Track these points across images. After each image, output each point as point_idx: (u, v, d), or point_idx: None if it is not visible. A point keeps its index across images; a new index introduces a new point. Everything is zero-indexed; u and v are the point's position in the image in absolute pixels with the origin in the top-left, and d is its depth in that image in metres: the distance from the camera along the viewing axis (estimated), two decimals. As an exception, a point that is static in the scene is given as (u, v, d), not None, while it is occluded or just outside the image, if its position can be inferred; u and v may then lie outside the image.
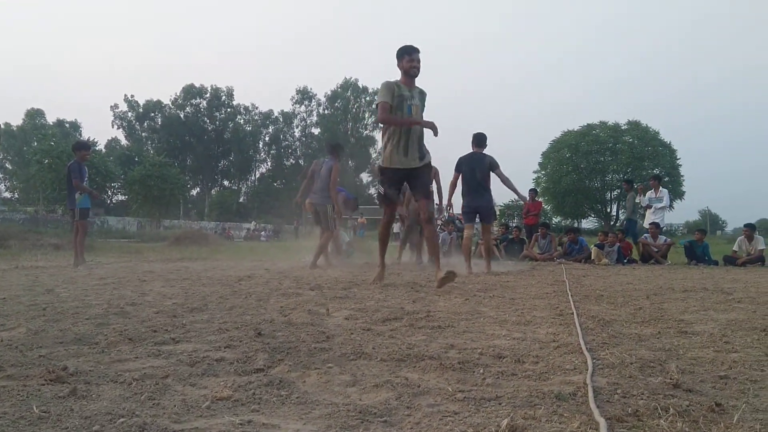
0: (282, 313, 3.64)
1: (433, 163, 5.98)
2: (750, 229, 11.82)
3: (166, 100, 75.80)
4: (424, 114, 5.80)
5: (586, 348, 2.56)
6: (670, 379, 2.04)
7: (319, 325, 3.20)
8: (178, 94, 75.60)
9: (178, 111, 75.69)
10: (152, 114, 75.49)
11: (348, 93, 74.68)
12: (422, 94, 5.80)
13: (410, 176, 5.79)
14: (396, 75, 5.68)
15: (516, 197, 10.96)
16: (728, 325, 3.39)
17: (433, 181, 9.01)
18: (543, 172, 59.39)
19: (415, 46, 5.64)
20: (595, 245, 11.89)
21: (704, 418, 1.61)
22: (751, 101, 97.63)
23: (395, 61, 5.64)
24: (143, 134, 75.99)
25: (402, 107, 5.54)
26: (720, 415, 1.65)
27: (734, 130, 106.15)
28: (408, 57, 5.58)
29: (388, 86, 5.52)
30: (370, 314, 3.64)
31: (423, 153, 5.72)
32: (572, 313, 3.73)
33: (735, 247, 12.09)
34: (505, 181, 8.20)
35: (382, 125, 5.66)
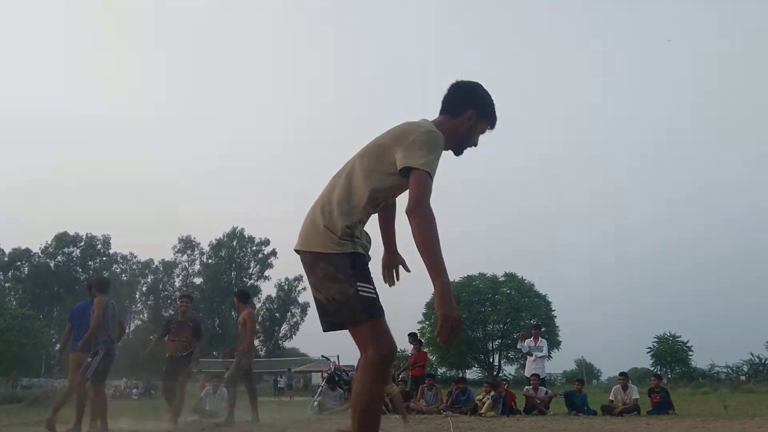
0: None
1: None
2: (625, 378, 12.46)
3: (36, 248, 72.04)
4: None
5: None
6: None
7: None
8: (49, 242, 72.23)
9: (48, 260, 71.89)
10: (18, 263, 71.18)
11: (234, 242, 74.15)
12: None
13: None
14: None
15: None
16: (610, 477, 3.44)
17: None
18: (427, 323, 60.15)
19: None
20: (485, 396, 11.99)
21: None
22: (612, 258, 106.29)
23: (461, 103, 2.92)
24: (6, 284, 70.99)
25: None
26: None
27: (601, 282, 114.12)
28: (490, 125, 3.01)
29: (440, 143, 2.74)
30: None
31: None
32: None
33: (611, 396, 12.58)
34: None
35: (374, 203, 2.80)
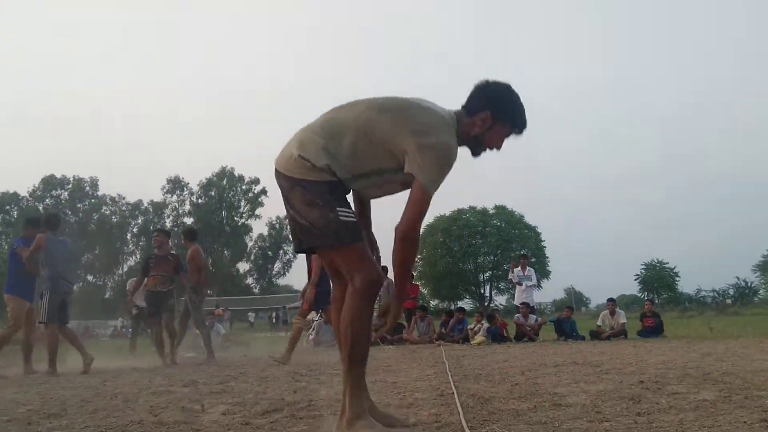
0: (152, 413, 3.41)
1: None
2: (613, 304, 12.70)
3: (24, 192, 71.45)
4: None
5: (468, 426, 2.58)
6: (549, 451, 2.08)
7: (193, 423, 3.02)
8: (36, 185, 71.61)
9: (37, 203, 71.41)
10: (7, 207, 70.73)
11: (224, 182, 73.79)
12: None
13: None
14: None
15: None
16: (598, 395, 3.53)
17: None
18: (419, 257, 60.77)
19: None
20: (477, 325, 12.18)
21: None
22: (600, 183, 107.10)
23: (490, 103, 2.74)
24: (-3, 228, 70.73)
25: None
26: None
27: (592, 207, 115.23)
28: (513, 129, 2.82)
29: (453, 161, 2.65)
30: (248, 408, 3.49)
31: None
32: (453, 393, 3.75)
33: (599, 322, 12.85)
34: None
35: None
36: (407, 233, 2.53)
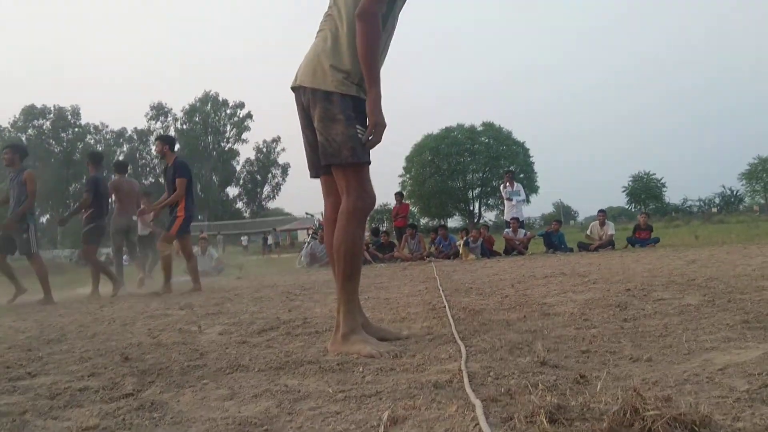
0: (150, 335, 3.47)
1: None
2: (604, 215, 12.83)
3: (5, 123, 70.17)
4: None
5: (459, 337, 2.65)
6: (538, 357, 2.14)
7: (192, 344, 3.08)
8: (17, 116, 70.24)
9: (19, 134, 70.25)
10: (-11, 139, 69.71)
11: (207, 107, 72.58)
12: None
13: None
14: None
15: None
16: (586, 304, 3.62)
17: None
18: (408, 176, 60.83)
19: None
20: (462, 243, 12.32)
21: (571, 390, 1.70)
22: (590, 88, 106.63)
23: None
24: (-20, 160, 69.76)
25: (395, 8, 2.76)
26: (585, 385, 1.76)
27: (578, 119, 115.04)
28: None
29: None
30: (245, 327, 3.56)
31: None
32: (444, 307, 3.84)
33: (588, 231, 13.05)
34: None
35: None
36: (362, 12, 2.50)
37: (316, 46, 2.68)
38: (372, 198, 2.65)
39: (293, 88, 2.75)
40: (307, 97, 2.65)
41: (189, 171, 7.44)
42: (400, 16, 2.79)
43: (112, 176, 9.17)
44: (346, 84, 2.55)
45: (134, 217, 8.96)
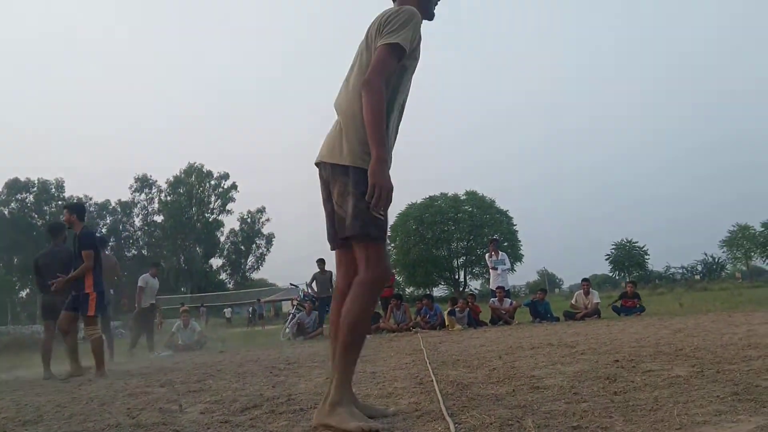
0: (129, 416, 3.37)
1: None
2: (588, 284, 12.87)
3: (-13, 198, 69.77)
4: None
5: (448, 413, 2.60)
6: (529, 434, 2.10)
7: (172, 424, 2.99)
8: (0, 189, 70.03)
9: (2, 207, 69.87)
10: (-28, 212, 69.09)
11: (192, 178, 72.86)
12: None
13: None
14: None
15: None
16: (575, 376, 3.58)
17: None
18: (393, 245, 60.88)
19: None
20: (447, 312, 12.23)
21: (564, 469, 1.67)
22: (568, 160, 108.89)
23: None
24: (-37, 236, 69.05)
25: (406, 76, 2.83)
26: (577, 464, 1.72)
27: (558, 190, 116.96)
28: None
29: (419, 21, 2.74)
30: (227, 405, 3.47)
31: None
32: (432, 381, 3.78)
33: (573, 300, 13.04)
34: None
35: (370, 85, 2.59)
36: (366, 82, 2.58)
37: (337, 122, 2.79)
38: (388, 273, 2.68)
39: (316, 164, 2.85)
40: (327, 172, 2.75)
41: (95, 242, 7.07)
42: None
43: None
44: (363, 158, 2.60)
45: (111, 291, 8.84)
